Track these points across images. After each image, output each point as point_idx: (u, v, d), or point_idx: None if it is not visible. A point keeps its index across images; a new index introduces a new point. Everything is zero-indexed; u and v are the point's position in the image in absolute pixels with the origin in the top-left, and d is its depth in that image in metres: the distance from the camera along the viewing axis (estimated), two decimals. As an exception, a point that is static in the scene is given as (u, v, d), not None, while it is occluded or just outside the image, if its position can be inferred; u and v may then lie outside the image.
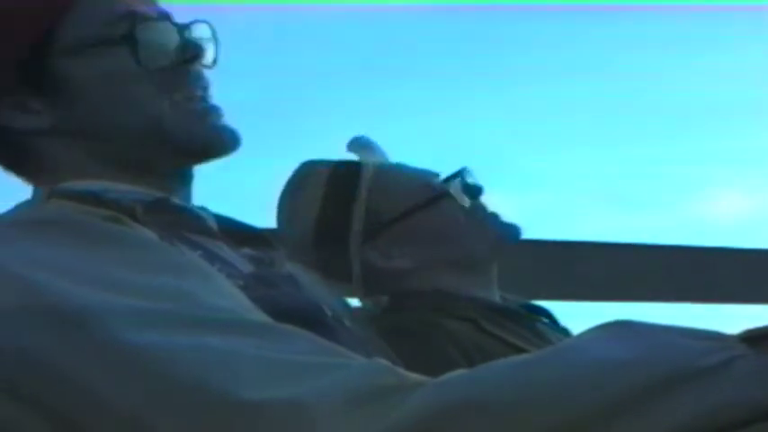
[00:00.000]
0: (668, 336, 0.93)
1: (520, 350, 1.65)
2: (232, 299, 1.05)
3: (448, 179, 1.90)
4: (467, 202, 1.88)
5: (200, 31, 1.27)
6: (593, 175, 3.43)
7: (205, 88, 1.25)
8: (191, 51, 1.23)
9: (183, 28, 1.25)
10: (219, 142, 1.23)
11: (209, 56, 1.26)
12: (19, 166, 1.27)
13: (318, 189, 1.84)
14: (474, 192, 1.89)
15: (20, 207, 1.20)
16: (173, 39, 1.23)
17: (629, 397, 0.89)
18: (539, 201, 1.98)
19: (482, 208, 1.89)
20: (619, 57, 3.48)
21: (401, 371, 0.97)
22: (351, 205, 1.83)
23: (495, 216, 1.89)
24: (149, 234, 1.12)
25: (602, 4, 3.23)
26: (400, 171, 1.90)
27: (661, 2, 3.33)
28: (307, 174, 1.86)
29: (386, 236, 1.85)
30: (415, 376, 0.96)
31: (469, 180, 1.90)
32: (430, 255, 1.85)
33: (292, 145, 3.16)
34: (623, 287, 2.81)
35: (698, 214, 3.59)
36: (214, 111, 1.24)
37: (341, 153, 1.92)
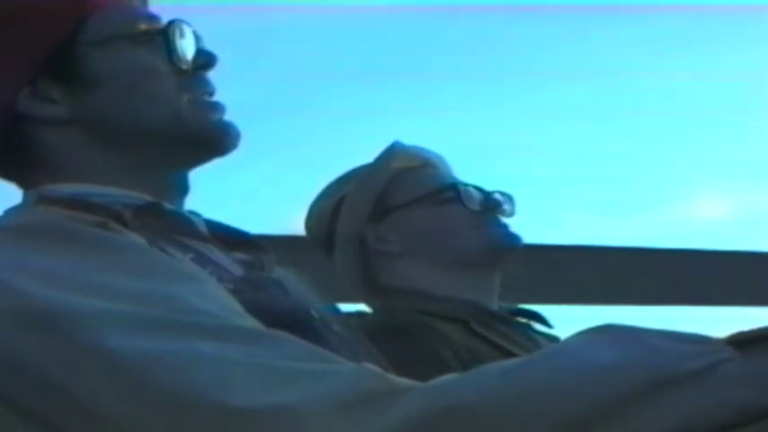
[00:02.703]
0: (655, 339, 0.93)
1: (510, 353, 1.67)
2: (222, 304, 1.05)
3: (465, 183, 1.94)
4: (476, 206, 1.91)
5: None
6: (577, 180, 3.44)
7: (213, 93, 1.28)
8: (204, 58, 1.27)
9: (197, 36, 1.28)
10: (228, 136, 1.26)
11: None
12: (21, 162, 1.26)
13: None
14: (490, 202, 1.93)
15: (8, 213, 1.20)
16: (193, 44, 1.27)
17: (617, 401, 0.90)
18: (523, 204, 2.01)
19: (492, 217, 1.92)
20: (604, 62, 3.49)
21: (390, 376, 0.97)
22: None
23: (502, 226, 1.93)
24: (138, 239, 1.12)
25: (584, 5, 3.24)
26: (426, 171, 1.96)
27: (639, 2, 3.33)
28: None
29: (388, 220, 1.91)
30: (403, 381, 0.97)
31: (490, 191, 1.94)
32: (423, 247, 1.89)
33: (292, 147, 3.17)
34: (609, 290, 2.82)
35: (680, 218, 3.61)
36: (222, 108, 1.27)
37: (340, 155, 2.00)
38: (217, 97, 1.28)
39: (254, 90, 3.01)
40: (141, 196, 1.21)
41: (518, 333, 1.86)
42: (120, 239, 1.11)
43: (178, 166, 1.27)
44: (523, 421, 0.91)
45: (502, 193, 1.98)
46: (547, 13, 3.28)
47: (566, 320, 2.11)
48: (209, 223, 1.27)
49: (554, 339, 1.89)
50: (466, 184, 1.96)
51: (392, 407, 0.92)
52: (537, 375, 0.93)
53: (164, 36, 1.25)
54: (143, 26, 1.26)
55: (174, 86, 1.24)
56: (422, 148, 2.01)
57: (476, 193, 1.95)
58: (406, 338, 1.69)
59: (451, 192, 1.93)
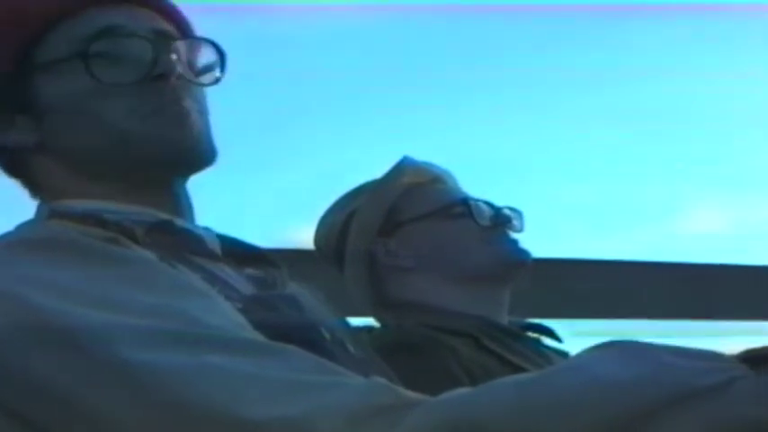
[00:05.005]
0: (668, 356, 0.93)
1: (520, 369, 1.67)
2: (231, 319, 1.06)
3: (475, 199, 1.95)
4: (486, 221, 1.92)
5: (202, 49, 1.27)
6: (578, 194, 3.44)
7: (184, 103, 1.21)
8: (160, 68, 1.20)
9: (162, 45, 1.21)
10: (192, 154, 1.21)
11: (188, 71, 1.23)
12: (23, 182, 1.28)
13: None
14: (500, 218, 1.94)
15: (21, 227, 1.20)
16: (141, 54, 1.20)
17: (630, 417, 0.90)
18: (529, 219, 2.03)
19: (502, 232, 1.92)
20: (597, 73, 3.47)
21: (400, 390, 0.97)
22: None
23: (512, 242, 1.93)
24: (149, 255, 1.12)
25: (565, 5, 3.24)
26: (436, 187, 1.97)
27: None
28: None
29: (398, 235, 1.92)
30: (413, 395, 0.97)
31: (500, 207, 1.94)
32: (433, 262, 1.90)
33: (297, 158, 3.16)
34: (617, 304, 2.82)
35: (675, 232, 3.60)
36: (187, 121, 1.20)
37: (348, 169, 2.00)
38: (196, 107, 1.20)
39: (260, 100, 3.00)
40: (155, 213, 1.21)
41: (528, 348, 1.86)
42: (130, 254, 1.11)
43: (159, 184, 1.22)
44: None
45: (511, 209, 1.98)
46: (538, 10, 3.27)
47: (574, 335, 2.11)
48: (221, 238, 1.26)
49: (564, 354, 1.89)
50: (476, 200, 1.97)
51: (403, 420, 0.92)
52: (551, 390, 0.93)
53: (81, 55, 1.19)
54: (77, 47, 1.20)
55: (118, 106, 1.19)
56: (431, 164, 2.02)
57: (486, 209, 1.95)
58: (415, 354, 1.69)
59: (462, 207, 1.94)
